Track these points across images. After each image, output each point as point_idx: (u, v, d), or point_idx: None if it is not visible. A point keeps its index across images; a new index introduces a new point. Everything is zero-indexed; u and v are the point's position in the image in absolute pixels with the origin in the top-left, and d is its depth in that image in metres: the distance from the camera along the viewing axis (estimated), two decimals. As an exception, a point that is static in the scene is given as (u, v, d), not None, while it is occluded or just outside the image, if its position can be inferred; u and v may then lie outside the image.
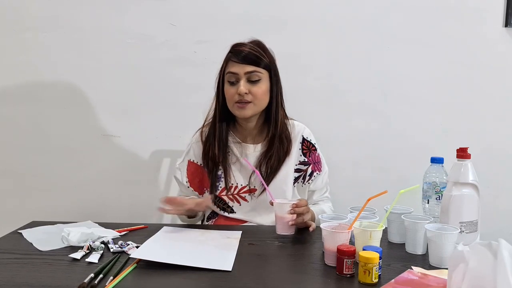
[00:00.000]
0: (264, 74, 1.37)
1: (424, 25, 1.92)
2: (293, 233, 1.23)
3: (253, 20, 1.89)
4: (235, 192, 1.43)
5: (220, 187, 1.43)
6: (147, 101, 1.96)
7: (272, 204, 1.26)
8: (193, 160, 1.49)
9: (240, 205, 1.42)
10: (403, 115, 1.96)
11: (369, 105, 1.96)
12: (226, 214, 1.43)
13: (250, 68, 1.35)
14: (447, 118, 1.96)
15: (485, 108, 1.95)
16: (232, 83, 1.37)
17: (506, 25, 1.90)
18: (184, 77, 1.94)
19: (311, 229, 1.25)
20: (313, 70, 1.94)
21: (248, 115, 1.37)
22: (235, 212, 1.43)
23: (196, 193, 1.48)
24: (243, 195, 1.43)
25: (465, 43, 1.93)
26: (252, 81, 1.36)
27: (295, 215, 1.20)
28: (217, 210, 1.45)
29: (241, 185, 1.43)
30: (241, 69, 1.35)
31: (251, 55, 1.35)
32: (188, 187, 1.48)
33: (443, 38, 1.93)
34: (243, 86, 1.34)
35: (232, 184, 1.43)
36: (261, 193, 1.41)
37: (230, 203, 1.43)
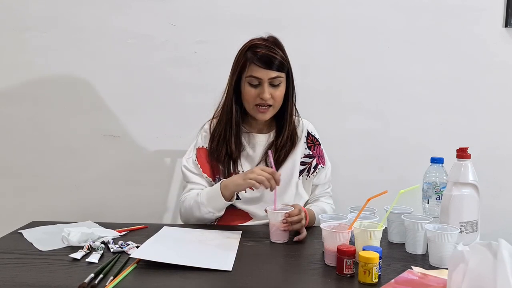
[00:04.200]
0: (283, 78, 1.40)
1: (424, 25, 1.92)
2: (287, 240, 1.23)
3: (253, 20, 1.89)
4: None
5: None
6: (147, 101, 1.96)
7: (266, 212, 1.27)
8: (202, 146, 1.48)
9: (245, 191, 1.42)
10: (403, 115, 1.96)
11: (369, 105, 1.96)
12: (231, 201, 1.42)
13: (274, 74, 1.36)
14: (447, 118, 1.96)
15: (485, 108, 1.95)
16: (253, 85, 1.38)
17: (506, 25, 1.90)
18: (184, 77, 1.94)
19: (300, 237, 1.23)
20: (312, 70, 1.93)
21: (268, 118, 1.42)
22: (240, 199, 1.43)
23: (210, 179, 1.47)
24: None
25: (465, 43, 1.93)
26: (273, 85, 1.38)
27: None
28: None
29: None
30: (265, 74, 1.36)
31: (276, 61, 1.36)
32: (202, 173, 1.46)
33: (443, 38, 1.93)
34: (267, 92, 1.36)
35: (239, 171, 1.45)
36: None
37: None
